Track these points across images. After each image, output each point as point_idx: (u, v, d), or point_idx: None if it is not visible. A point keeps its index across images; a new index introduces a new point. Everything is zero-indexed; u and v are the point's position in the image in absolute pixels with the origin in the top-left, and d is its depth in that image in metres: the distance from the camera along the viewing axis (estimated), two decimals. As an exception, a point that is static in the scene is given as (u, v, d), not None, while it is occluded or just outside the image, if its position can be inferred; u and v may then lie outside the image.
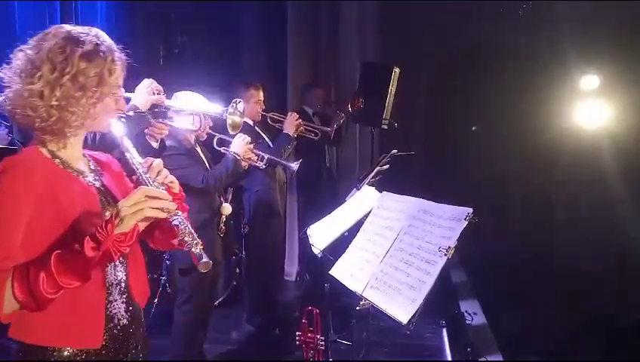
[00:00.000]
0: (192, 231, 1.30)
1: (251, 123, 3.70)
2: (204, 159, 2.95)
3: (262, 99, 3.74)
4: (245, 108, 3.74)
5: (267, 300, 3.93)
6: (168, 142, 2.70)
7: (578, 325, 3.55)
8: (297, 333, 2.67)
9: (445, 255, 1.97)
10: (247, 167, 3.09)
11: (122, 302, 1.38)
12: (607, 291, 3.90)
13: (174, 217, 1.27)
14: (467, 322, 3.61)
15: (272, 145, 3.63)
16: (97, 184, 1.38)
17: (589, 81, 4.80)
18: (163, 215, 1.24)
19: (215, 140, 3.02)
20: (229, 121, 2.57)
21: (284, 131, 3.61)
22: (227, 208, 2.95)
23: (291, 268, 5.11)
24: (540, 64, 5.15)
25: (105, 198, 1.37)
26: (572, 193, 4.93)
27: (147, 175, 1.33)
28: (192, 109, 2.68)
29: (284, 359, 3.41)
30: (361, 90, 4.44)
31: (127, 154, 1.36)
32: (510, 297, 3.94)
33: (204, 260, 1.29)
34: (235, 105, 2.58)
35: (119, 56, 1.34)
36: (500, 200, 5.28)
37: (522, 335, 3.48)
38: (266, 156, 3.24)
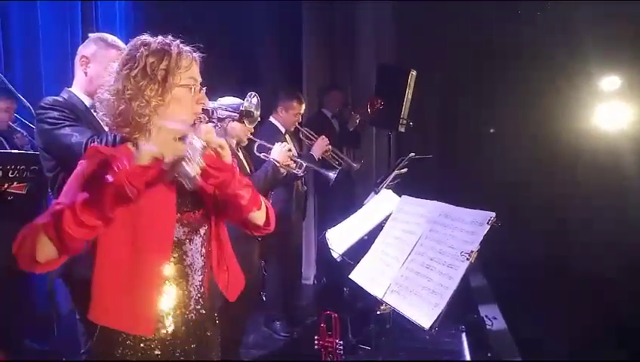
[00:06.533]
0: (193, 159, 1.24)
1: (283, 130, 3.76)
2: (246, 165, 2.96)
3: (301, 112, 3.82)
4: (283, 115, 3.81)
5: (285, 304, 3.93)
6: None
7: (599, 330, 3.49)
8: (315, 337, 2.66)
9: (467, 259, 1.96)
10: (285, 174, 3.05)
11: (195, 300, 1.44)
12: (629, 295, 3.83)
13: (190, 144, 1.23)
14: (487, 327, 3.56)
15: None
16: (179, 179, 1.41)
17: (610, 82, 4.73)
18: (182, 153, 1.22)
19: (256, 146, 3.02)
20: (244, 113, 2.57)
21: (310, 152, 3.67)
22: None
23: (309, 272, 5.11)
24: (560, 65, 5.09)
25: (181, 194, 1.40)
26: (592, 196, 4.85)
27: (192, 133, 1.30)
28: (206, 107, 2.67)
29: (301, 363, 3.40)
30: (377, 93, 4.43)
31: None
32: (530, 301, 3.89)
33: (187, 170, 1.22)
34: (249, 98, 2.57)
35: (189, 51, 1.41)
36: (519, 203, 5.21)
37: (543, 340, 3.42)
38: (305, 164, 3.20)
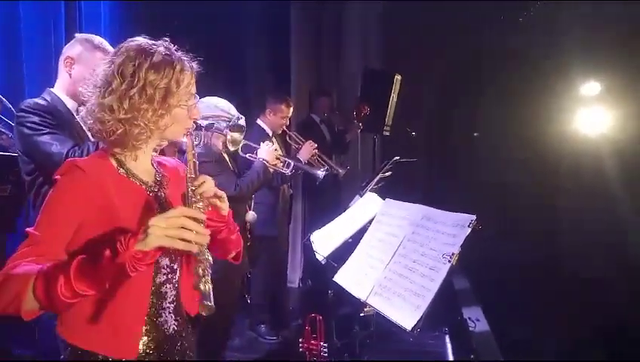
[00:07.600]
0: (209, 268, 1.17)
1: (270, 133, 3.76)
2: (230, 166, 2.97)
3: (289, 116, 3.84)
4: (271, 118, 3.82)
5: (270, 307, 3.93)
6: (196, 150, 2.71)
7: (583, 332, 3.53)
8: (300, 340, 2.66)
9: (449, 261, 1.97)
10: (273, 173, 3.10)
11: (170, 313, 1.40)
12: (611, 297, 3.88)
13: (200, 250, 1.16)
14: (470, 328, 3.59)
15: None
16: (160, 195, 1.38)
17: (591, 87, 4.81)
18: (194, 249, 1.14)
19: (240, 146, 3.03)
20: (228, 138, 2.58)
21: (297, 156, 3.67)
22: (251, 215, 2.97)
23: (294, 275, 5.11)
24: (542, 70, 5.16)
25: (162, 211, 1.32)
26: (574, 199, 4.92)
27: (193, 190, 1.27)
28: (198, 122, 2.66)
29: (286, 366, 3.40)
30: (363, 97, 4.48)
31: (188, 166, 1.35)
32: (513, 304, 3.92)
33: (207, 303, 1.12)
34: (236, 121, 2.59)
35: (189, 65, 1.35)
36: (503, 206, 5.26)
37: (526, 342, 3.46)
38: (292, 163, 3.25)
